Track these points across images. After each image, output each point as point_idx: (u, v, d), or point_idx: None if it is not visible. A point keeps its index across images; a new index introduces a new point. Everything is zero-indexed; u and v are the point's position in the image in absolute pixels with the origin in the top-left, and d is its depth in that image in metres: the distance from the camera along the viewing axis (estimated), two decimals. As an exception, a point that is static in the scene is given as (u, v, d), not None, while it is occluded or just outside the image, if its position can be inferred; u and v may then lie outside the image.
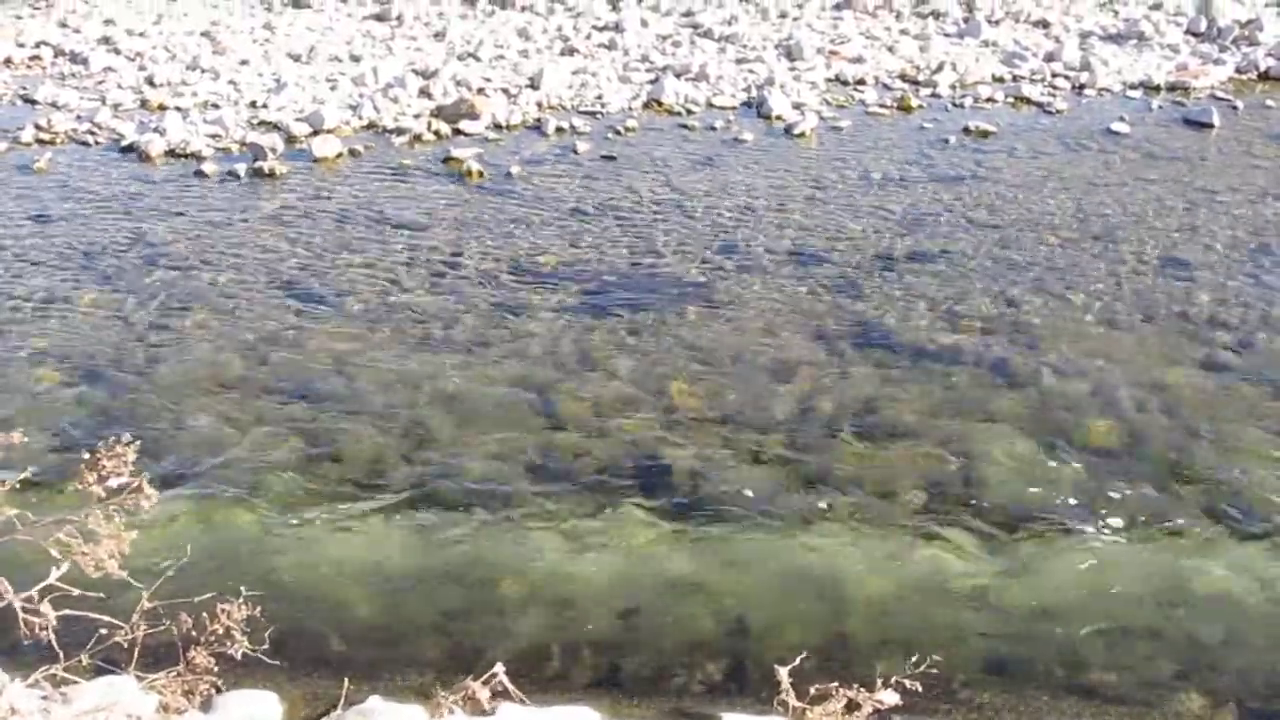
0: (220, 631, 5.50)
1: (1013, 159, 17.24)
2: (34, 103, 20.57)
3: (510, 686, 5.94)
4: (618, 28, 26.05)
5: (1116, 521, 8.34)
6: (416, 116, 19.18)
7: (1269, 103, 20.51)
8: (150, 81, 21.74)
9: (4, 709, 5.03)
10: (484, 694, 5.67)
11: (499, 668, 5.95)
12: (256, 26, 26.59)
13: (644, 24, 26.48)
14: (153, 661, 5.71)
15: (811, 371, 10.58)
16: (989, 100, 20.78)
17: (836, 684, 5.80)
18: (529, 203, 15.31)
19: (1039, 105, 20.51)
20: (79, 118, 19.29)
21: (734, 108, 20.34)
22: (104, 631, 5.53)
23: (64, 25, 26.75)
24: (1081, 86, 21.65)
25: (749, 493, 8.70)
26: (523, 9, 28.16)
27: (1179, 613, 7.44)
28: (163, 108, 19.96)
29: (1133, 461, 9.11)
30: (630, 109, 20.24)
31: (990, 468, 8.98)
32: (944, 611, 7.45)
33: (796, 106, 20.01)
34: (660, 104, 20.43)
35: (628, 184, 16.09)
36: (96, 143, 18.17)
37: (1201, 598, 7.57)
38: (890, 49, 24.44)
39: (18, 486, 5.37)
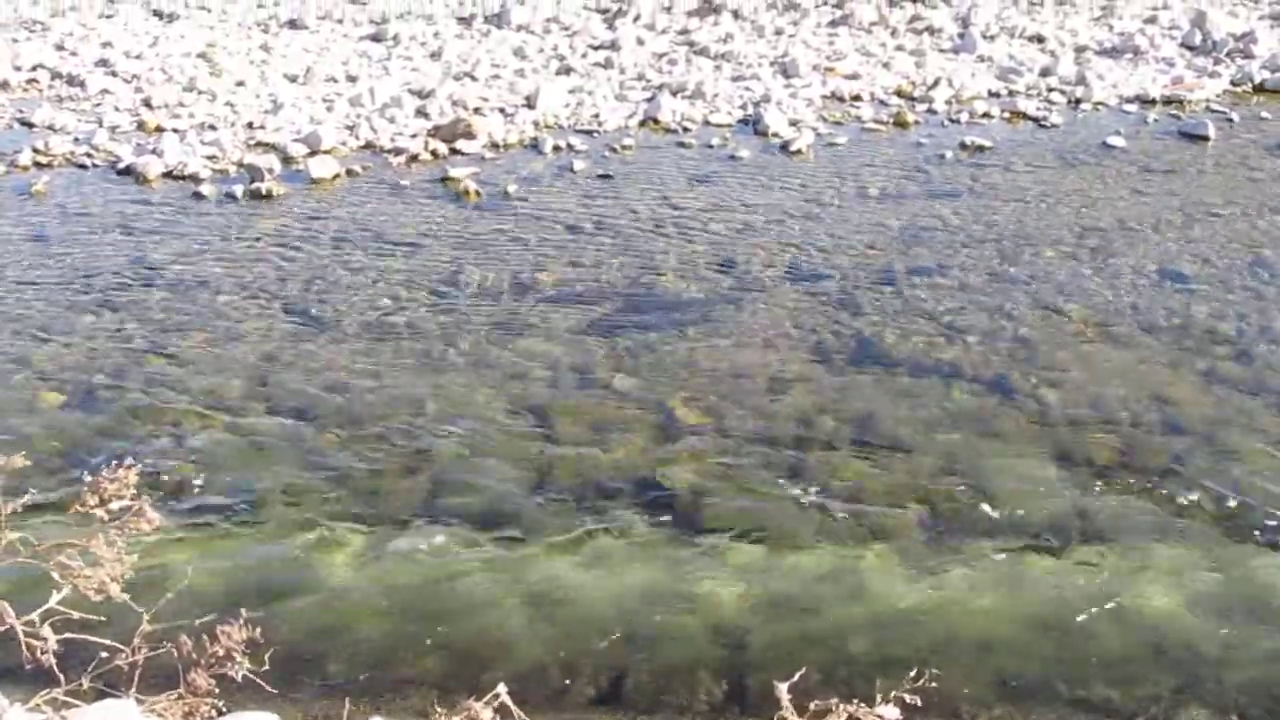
0: (221, 653, 5.49)
1: (1009, 174, 17.27)
2: (31, 126, 20.59)
3: (512, 706, 5.93)
4: (613, 46, 26.10)
5: (1117, 535, 8.34)
6: (413, 136, 19.20)
7: (1264, 115, 20.56)
8: (147, 103, 21.77)
9: (4, 733, 5.03)
10: (486, 714, 5.66)
11: (501, 688, 5.94)
12: (253, 48, 26.63)
13: (640, 42, 26.52)
14: (154, 684, 5.69)
15: (810, 388, 10.59)
16: (985, 115, 20.82)
17: (836, 700, 5.78)
18: (526, 222, 15.33)
19: (1035, 120, 20.54)
20: (76, 140, 19.30)
21: (730, 125, 20.36)
22: (104, 655, 5.52)
23: (61, 48, 26.76)
24: (1077, 101, 21.70)
25: (748, 509, 8.71)
26: (519, 28, 28.20)
27: (1182, 626, 7.43)
28: (160, 129, 19.97)
29: (1132, 475, 9.11)
30: (627, 127, 20.27)
31: (990, 482, 8.99)
32: (945, 625, 7.44)
33: (793, 123, 20.04)
34: (657, 122, 20.46)
35: (625, 202, 16.11)
36: (94, 165, 18.18)
37: (1204, 611, 7.57)
38: (886, 65, 24.49)
39: (19, 510, 5.37)
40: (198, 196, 16.50)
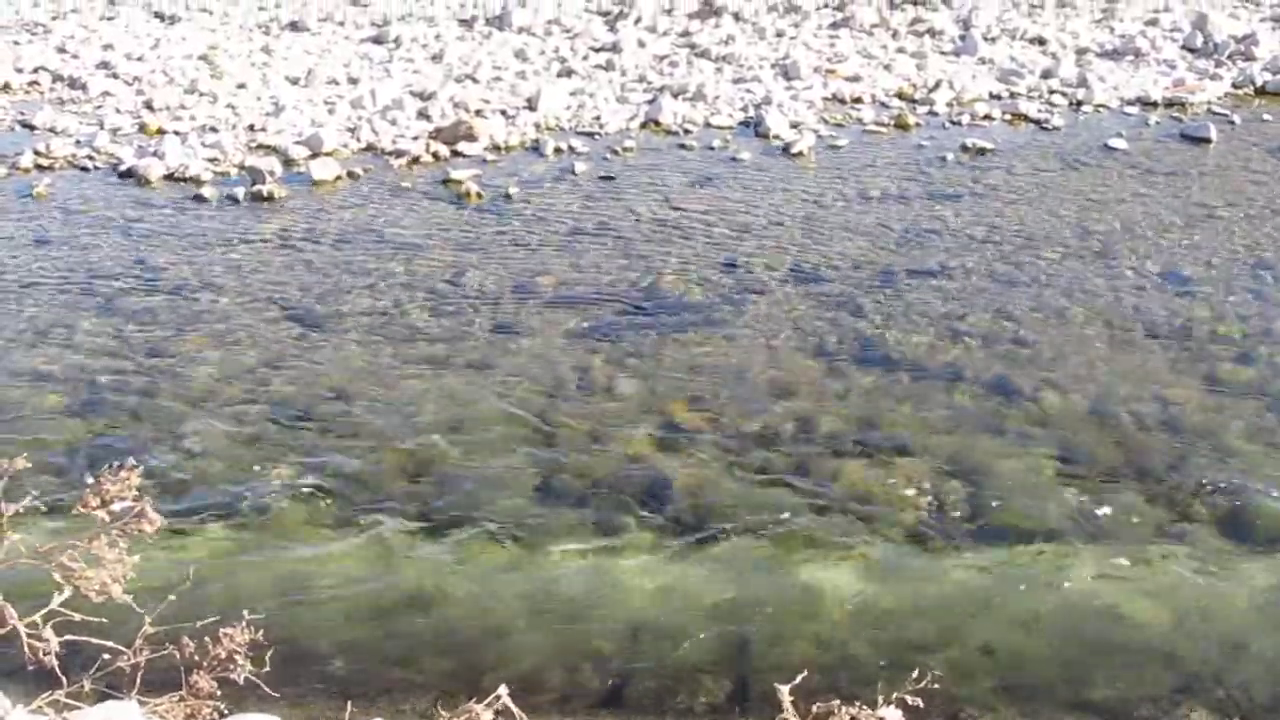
0: (222, 655, 5.49)
1: (1011, 176, 17.27)
2: (32, 128, 20.58)
3: (514, 708, 5.93)
4: (615, 48, 26.09)
5: (1118, 537, 8.34)
6: (415, 138, 19.20)
7: (1266, 117, 20.54)
8: (148, 106, 21.76)
9: (7, 735, 5.03)
10: (487, 716, 5.66)
11: (502, 689, 5.94)
12: (254, 50, 26.62)
13: (641, 44, 26.51)
14: (155, 686, 5.70)
15: (812, 389, 10.59)
16: (986, 117, 20.80)
17: (838, 701, 5.78)
18: (528, 224, 15.33)
19: (1036, 122, 20.53)
20: (78, 143, 19.29)
21: (732, 127, 20.35)
22: (106, 656, 5.52)
23: (62, 50, 26.75)
24: (1079, 103, 21.68)
25: (750, 511, 8.70)
26: (520, 30, 28.20)
27: (1183, 628, 7.44)
28: (161, 132, 19.96)
29: (1134, 477, 9.11)
30: (628, 129, 20.26)
31: (991, 484, 8.99)
32: (947, 627, 7.45)
33: (794, 125, 20.03)
34: (658, 124, 20.45)
35: (626, 204, 16.11)
36: (95, 167, 18.17)
37: (1205, 612, 7.57)
38: (887, 67, 24.48)
39: (21, 511, 5.36)
40: (199, 199, 16.51)
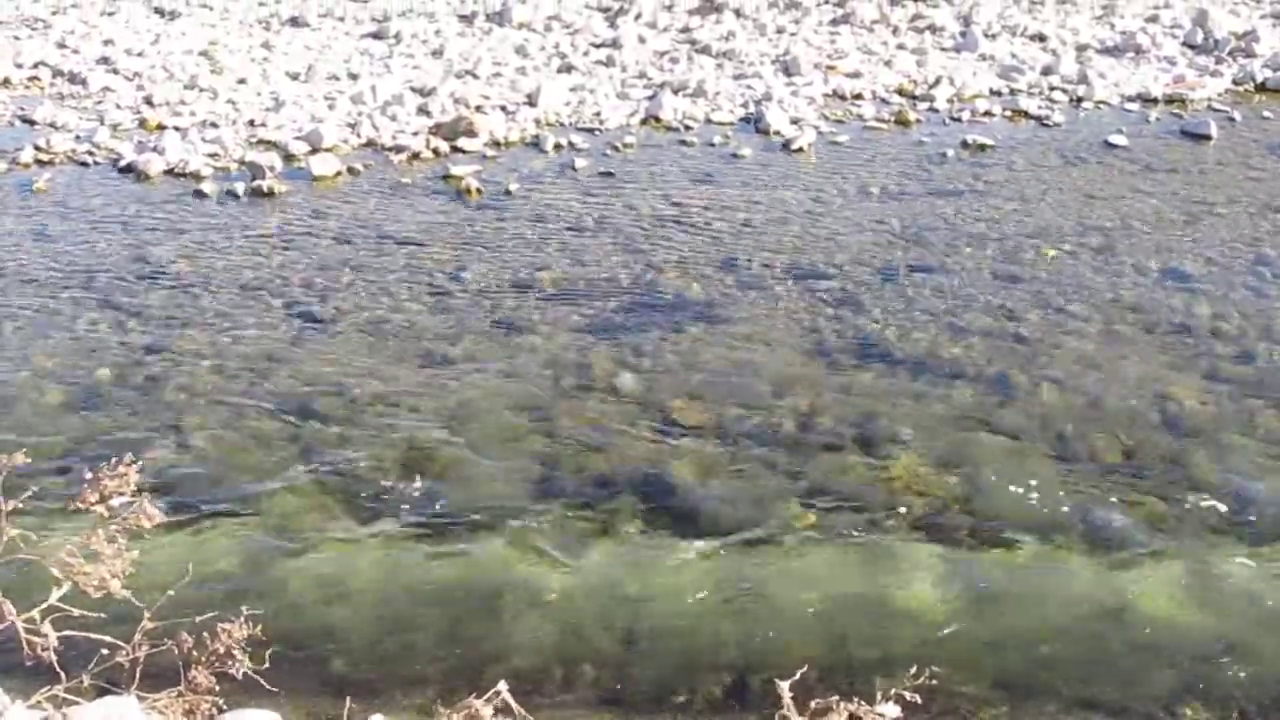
0: (221, 651, 5.49)
1: (1011, 172, 17.25)
2: (33, 123, 20.57)
3: (514, 704, 5.93)
4: (615, 44, 26.07)
5: (1118, 534, 8.34)
6: (415, 134, 19.19)
7: (1266, 114, 20.52)
8: (149, 101, 21.75)
9: (6, 730, 5.03)
10: (486, 711, 5.65)
11: (502, 685, 5.94)
12: (254, 45, 26.60)
13: (641, 40, 26.50)
14: (154, 682, 5.70)
15: (811, 386, 10.59)
16: (986, 114, 20.77)
17: (837, 697, 5.78)
18: (528, 220, 15.32)
19: (1036, 118, 20.51)
20: (78, 138, 19.29)
21: (732, 123, 20.32)
22: (105, 652, 5.52)
23: (62, 45, 26.75)
24: (1079, 99, 21.65)
25: (750, 508, 8.70)
26: (520, 26, 28.18)
27: (1182, 625, 7.43)
28: (161, 127, 19.95)
29: (1134, 474, 9.11)
30: (628, 125, 20.24)
31: (991, 481, 8.98)
32: (946, 624, 7.44)
33: (794, 122, 20.02)
34: (658, 120, 20.44)
35: (626, 200, 16.10)
36: (95, 163, 18.17)
37: (1204, 609, 7.57)
38: (887, 64, 24.45)
39: (20, 506, 5.37)
40: (199, 194, 16.50)
